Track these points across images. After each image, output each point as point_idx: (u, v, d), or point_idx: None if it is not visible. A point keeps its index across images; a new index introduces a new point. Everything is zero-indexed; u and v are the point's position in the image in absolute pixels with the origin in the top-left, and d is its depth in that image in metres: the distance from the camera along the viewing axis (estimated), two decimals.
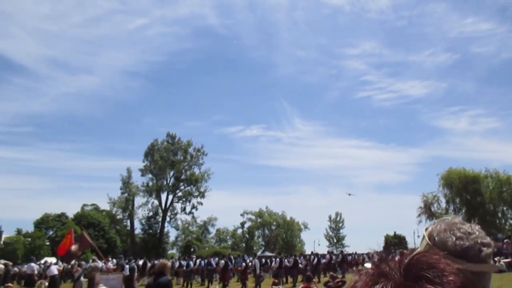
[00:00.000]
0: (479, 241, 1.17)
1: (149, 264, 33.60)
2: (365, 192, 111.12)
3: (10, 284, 7.82)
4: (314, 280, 11.04)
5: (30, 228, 60.75)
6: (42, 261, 38.97)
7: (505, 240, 27.47)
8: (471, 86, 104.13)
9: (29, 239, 56.96)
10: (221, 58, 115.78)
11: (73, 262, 29.43)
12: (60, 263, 25.92)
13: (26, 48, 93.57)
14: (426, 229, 1.30)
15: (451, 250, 1.15)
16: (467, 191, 48.06)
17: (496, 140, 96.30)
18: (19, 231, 60.81)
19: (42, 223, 61.14)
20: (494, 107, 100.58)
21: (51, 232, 60.91)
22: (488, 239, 1.20)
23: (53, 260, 41.15)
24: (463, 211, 49.58)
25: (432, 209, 51.26)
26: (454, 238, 1.17)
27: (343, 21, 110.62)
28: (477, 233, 1.19)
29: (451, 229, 1.20)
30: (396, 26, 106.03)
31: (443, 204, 50.93)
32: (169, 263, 8.72)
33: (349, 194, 74.61)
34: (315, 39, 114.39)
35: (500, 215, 47.86)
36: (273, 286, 8.85)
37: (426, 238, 1.24)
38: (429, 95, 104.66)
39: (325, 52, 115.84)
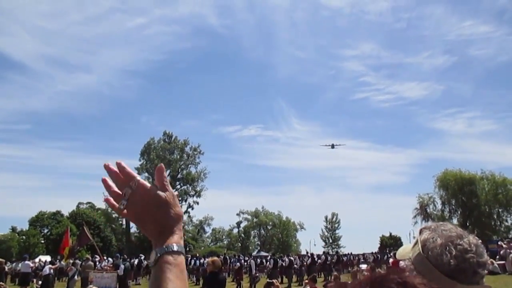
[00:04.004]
0: (475, 261, 1.12)
1: (144, 263, 33.54)
2: (362, 192, 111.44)
3: (1, 283, 7.74)
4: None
5: (25, 226, 60.60)
6: (36, 260, 38.77)
7: (499, 243, 27.54)
8: (468, 88, 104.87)
9: (24, 237, 56.70)
10: (220, 58, 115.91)
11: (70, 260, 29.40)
12: (54, 261, 26.01)
13: (25, 46, 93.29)
14: (421, 231, 1.24)
15: (444, 268, 1.11)
16: (463, 193, 48.15)
17: (492, 142, 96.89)
18: (13, 229, 60.55)
19: (37, 221, 60.83)
20: (490, 109, 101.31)
21: (46, 230, 60.66)
22: (484, 258, 1.15)
23: (47, 258, 40.99)
24: (459, 212, 49.73)
25: (428, 211, 51.38)
26: (449, 256, 1.12)
27: (342, 23, 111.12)
28: (474, 249, 1.14)
29: (448, 245, 1.14)
30: (394, 28, 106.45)
31: (439, 206, 51.11)
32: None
33: (332, 147, 71.41)
34: (314, 40, 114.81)
35: (495, 217, 48.00)
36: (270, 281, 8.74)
37: (420, 246, 1.19)
38: (426, 97, 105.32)
39: (323, 53, 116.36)
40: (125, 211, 0.94)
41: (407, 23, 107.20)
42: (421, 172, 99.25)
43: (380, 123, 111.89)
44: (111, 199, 0.97)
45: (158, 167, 0.99)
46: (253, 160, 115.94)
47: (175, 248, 0.90)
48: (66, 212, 63.87)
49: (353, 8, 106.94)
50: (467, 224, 48.77)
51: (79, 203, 70.33)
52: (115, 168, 0.96)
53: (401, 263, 1.28)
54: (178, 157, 67.53)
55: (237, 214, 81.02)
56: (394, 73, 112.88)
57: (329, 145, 72.04)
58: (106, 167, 0.98)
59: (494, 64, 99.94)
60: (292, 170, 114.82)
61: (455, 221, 50.26)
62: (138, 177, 0.96)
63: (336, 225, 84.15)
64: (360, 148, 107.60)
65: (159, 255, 0.89)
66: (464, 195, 48.11)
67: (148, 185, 0.97)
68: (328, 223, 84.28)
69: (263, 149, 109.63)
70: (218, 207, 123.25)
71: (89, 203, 71.87)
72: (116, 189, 0.96)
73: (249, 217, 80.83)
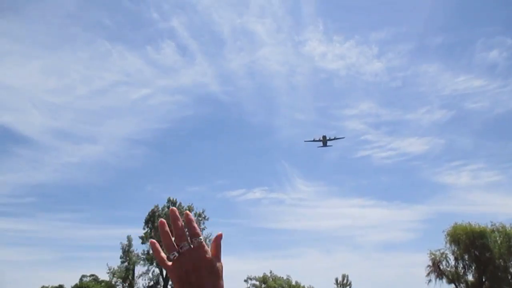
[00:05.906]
0: None
1: None
2: (372, 251, 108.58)
3: None
4: None
5: None
6: None
7: None
8: (469, 141, 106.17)
9: None
10: (222, 123, 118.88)
11: None
12: None
13: (32, 120, 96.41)
14: None
15: None
16: (475, 247, 46.82)
17: (499, 193, 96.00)
18: None
19: None
20: (493, 160, 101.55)
21: None
22: None
23: None
24: (473, 268, 48.11)
25: (441, 267, 49.70)
26: None
27: (340, 84, 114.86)
28: None
29: None
30: (391, 87, 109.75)
31: (452, 262, 49.45)
32: None
33: (325, 143, 59.85)
34: (313, 102, 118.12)
35: (511, 270, 46.34)
36: None
37: None
38: (428, 151, 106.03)
39: (323, 114, 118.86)
40: (170, 263, 0.97)
41: (402, 81, 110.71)
42: (430, 227, 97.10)
43: (385, 179, 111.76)
44: (157, 244, 1.01)
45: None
46: (259, 224, 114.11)
47: None
48: (69, 286, 62.26)
49: (349, 70, 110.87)
50: (483, 279, 47.05)
51: (82, 276, 68.56)
52: (179, 216, 1.01)
53: None
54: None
55: (245, 281, 78.28)
56: (395, 129, 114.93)
57: (319, 140, 60.62)
58: (173, 212, 1.00)
59: (491, 116, 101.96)
60: (299, 231, 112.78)
61: (470, 277, 48.57)
62: (202, 237, 1.00)
63: (348, 287, 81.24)
64: (366, 206, 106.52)
65: None
66: (477, 249, 46.75)
67: (208, 249, 1.00)
68: (339, 285, 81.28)
69: (268, 211, 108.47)
70: (225, 273, 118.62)
71: (93, 275, 70.04)
72: (162, 253, 0.97)
73: (257, 283, 78.11)
